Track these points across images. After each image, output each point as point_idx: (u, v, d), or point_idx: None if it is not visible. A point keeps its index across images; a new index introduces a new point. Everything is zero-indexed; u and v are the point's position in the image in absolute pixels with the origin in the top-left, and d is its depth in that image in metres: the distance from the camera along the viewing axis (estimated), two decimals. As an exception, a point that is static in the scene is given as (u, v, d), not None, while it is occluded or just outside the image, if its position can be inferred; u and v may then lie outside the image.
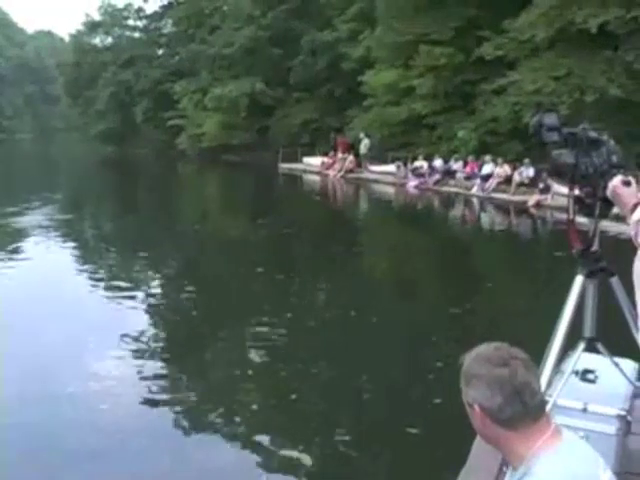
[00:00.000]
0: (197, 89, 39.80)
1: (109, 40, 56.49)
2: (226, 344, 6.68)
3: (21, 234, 13.39)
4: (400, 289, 9.84)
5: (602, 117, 14.52)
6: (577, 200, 2.43)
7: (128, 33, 55.59)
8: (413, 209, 20.58)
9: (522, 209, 17.34)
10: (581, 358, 2.50)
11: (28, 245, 12.26)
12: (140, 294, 8.71)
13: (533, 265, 11.09)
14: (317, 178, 27.37)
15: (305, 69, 33.37)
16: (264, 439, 4.55)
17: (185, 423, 4.85)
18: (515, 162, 19.62)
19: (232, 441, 4.57)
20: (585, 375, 2.64)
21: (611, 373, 2.60)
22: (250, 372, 5.82)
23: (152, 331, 7.10)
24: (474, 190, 20.33)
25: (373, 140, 26.72)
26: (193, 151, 39.81)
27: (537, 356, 2.04)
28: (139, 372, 5.77)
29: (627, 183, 2.15)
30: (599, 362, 2.64)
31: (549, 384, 2.36)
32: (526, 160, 18.68)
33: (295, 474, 4.17)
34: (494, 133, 21.31)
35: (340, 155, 27.74)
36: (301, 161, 30.74)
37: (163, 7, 50.81)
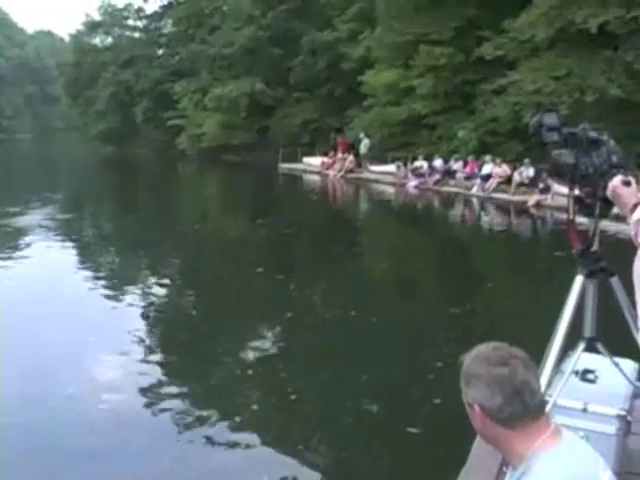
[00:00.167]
0: (197, 89, 39.80)
1: (109, 40, 56.51)
2: (226, 344, 6.68)
3: (21, 234, 13.38)
4: (400, 289, 9.85)
5: (602, 117, 14.52)
6: (577, 200, 2.42)
7: (128, 33, 55.60)
8: (413, 209, 20.58)
9: (522, 209, 17.34)
10: (581, 358, 2.50)
11: (28, 245, 12.25)
12: (140, 294, 8.71)
13: (533, 265, 11.08)
14: (317, 178, 27.37)
15: (305, 69, 33.37)
16: (264, 439, 4.55)
17: (185, 423, 4.85)
18: (515, 162, 19.61)
19: (232, 441, 4.56)
20: (585, 375, 2.64)
21: (611, 373, 2.60)
22: (250, 372, 5.82)
23: (152, 331, 7.10)
24: (474, 190, 20.32)
25: (373, 140, 26.72)
26: (193, 151, 39.81)
27: (537, 356, 2.03)
28: (139, 372, 5.77)
29: (627, 183, 2.15)
30: (599, 362, 2.64)
31: (549, 384, 2.36)
32: (526, 160, 18.68)
33: (295, 474, 4.16)
34: (494, 133, 21.31)
35: (340, 155, 27.75)
36: (301, 161, 30.75)
37: (163, 7, 50.82)
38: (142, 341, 6.60)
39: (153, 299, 8.60)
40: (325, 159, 28.44)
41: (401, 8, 24.30)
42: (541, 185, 17.07)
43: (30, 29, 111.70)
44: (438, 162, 22.66)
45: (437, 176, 22.28)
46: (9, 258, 10.78)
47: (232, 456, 4.43)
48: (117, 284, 9.18)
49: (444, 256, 12.20)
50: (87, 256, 11.73)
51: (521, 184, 18.94)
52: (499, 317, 7.34)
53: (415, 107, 23.66)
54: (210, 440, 4.59)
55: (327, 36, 31.49)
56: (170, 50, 49.26)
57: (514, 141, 19.88)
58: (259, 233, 14.11)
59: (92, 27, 56.60)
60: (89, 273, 9.93)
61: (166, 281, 9.85)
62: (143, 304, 8.19)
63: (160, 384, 5.56)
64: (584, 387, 2.60)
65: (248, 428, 4.77)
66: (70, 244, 12.69)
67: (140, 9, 53.81)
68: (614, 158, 2.29)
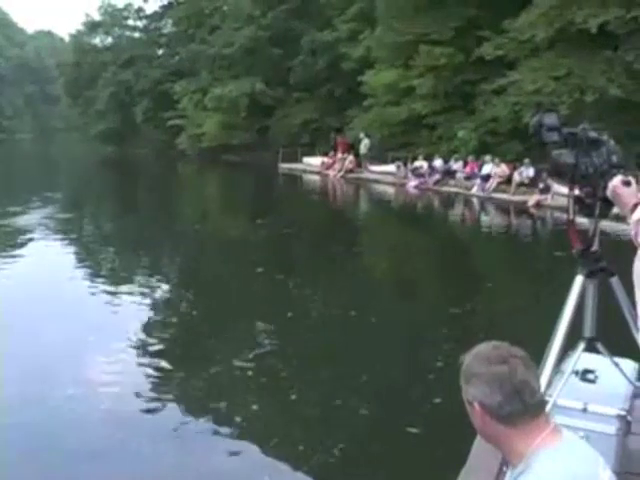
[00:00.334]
0: (197, 89, 39.80)
1: (109, 40, 56.49)
2: (226, 344, 6.68)
3: (21, 233, 13.38)
4: (400, 289, 9.85)
5: (602, 117, 14.53)
6: (577, 200, 2.42)
7: (128, 33, 55.58)
8: (413, 209, 20.58)
9: (522, 209, 17.34)
10: (581, 358, 2.50)
11: (28, 245, 12.25)
12: (140, 294, 8.70)
13: (533, 265, 11.09)
14: (317, 178, 27.38)
15: (305, 69, 33.38)
16: (264, 439, 4.55)
17: (185, 423, 4.85)
18: (515, 162, 19.62)
19: (232, 441, 4.56)
20: (585, 375, 2.64)
21: (611, 373, 2.60)
22: (250, 372, 5.82)
23: (152, 331, 7.09)
24: (474, 190, 20.33)
25: (373, 140, 26.72)
26: (193, 151, 39.81)
27: (537, 356, 2.03)
28: (139, 372, 5.77)
29: (627, 183, 2.15)
30: (599, 362, 2.64)
31: (549, 384, 2.36)
32: (526, 160, 18.68)
33: (295, 474, 4.17)
34: (494, 133, 21.31)
35: (340, 155, 27.75)
36: (301, 161, 30.75)
37: (163, 7, 50.82)
38: (142, 341, 6.60)
39: (153, 299, 8.60)
40: (325, 159, 28.44)
41: (401, 8, 24.31)
42: (541, 185, 17.07)
43: (30, 29, 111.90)
44: (438, 162, 22.66)
45: (437, 176, 22.28)
46: (9, 258, 10.78)
47: (232, 456, 4.42)
48: (117, 284, 9.17)
49: (444, 256, 12.20)
50: (87, 256, 11.73)
51: (521, 184, 18.94)
52: (499, 317, 7.34)
53: (415, 107, 23.67)
54: (210, 440, 4.59)
55: (327, 36, 31.49)
56: (170, 50, 49.25)
57: (514, 141, 19.88)
58: (259, 233, 14.10)
59: (92, 27, 56.57)
60: (89, 273, 9.93)
61: (166, 281, 9.85)
62: (143, 304, 8.18)
63: (160, 384, 5.57)
64: (584, 387, 2.60)
65: (248, 428, 4.77)
66: (70, 244, 12.68)
67: (140, 9, 53.87)
68: (614, 158, 2.29)
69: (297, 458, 4.34)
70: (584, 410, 2.50)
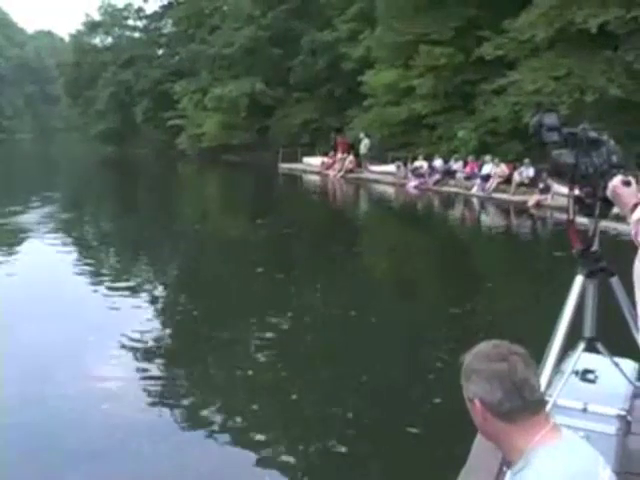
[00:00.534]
0: (197, 89, 39.80)
1: (109, 40, 56.51)
2: (226, 344, 6.67)
3: (21, 233, 13.39)
4: (400, 289, 9.85)
5: (602, 117, 14.53)
6: (577, 200, 2.43)
7: (128, 33, 55.60)
8: (413, 209, 20.58)
9: (522, 209, 17.34)
10: (581, 358, 2.50)
11: (28, 244, 12.26)
12: (140, 294, 8.70)
13: (533, 265, 11.08)
14: (317, 178, 27.38)
15: (305, 69, 33.38)
16: (264, 439, 4.56)
17: (185, 423, 4.85)
18: (515, 162, 19.62)
19: (232, 441, 4.57)
20: (585, 375, 2.64)
21: (611, 373, 2.60)
22: (250, 372, 5.82)
23: (152, 331, 7.09)
24: (474, 190, 20.33)
25: (373, 140, 26.72)
26: (193, 151, 39.81)
27: (537, 356, 2.03)
28: (139, 372, 5.78)
29: (627, 183, 2.15)
30: (599, 362, 2.64)
31: (549, 384, 2.36)
32: (526, 160, 18.68)
33: (295, 474, 4.17)
34: (494, 133, 21.31)
35: (340, 155, 27.74)
36: (301, 161, 30.75)
37: (163, 7, 50.81)
38: (142, 341, 6.60)
39: (153, 299, 8.60)
40: (325, 159, 28.44)
41: (401, 8, 24.31)
42: (541, 185, 17.07)
43: (30, 29, 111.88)
44: (438, 162, 22.66)
45: (437, 176, 22.28)
46: (9, 257, 10.79)
47: (232, 456, 4.43)
48: (117, 284, 9.17)
49: (444, 256, 12.20)
50: (87, 256, 11.72)
51: (521, 184, 18.94)
52: (499, 317, 7.34)
53: (415, 107, 23.66)
54: (210, 440, 4.59)
55: (327, 36, 31.49)
56: (170, 50, 49.25)
57: (514, 141, 19.88)
58: (259, 233, 14.10)
59: (92, 27, 56.60)
60: (89, 273, 9.92)
61: (166, 281, 9.86)
62: (143, 304, 8.18)
63: (160, 384, 5.57)
64: (584, 387, 2.60)
65: (248, 428, 4.78)
66: (70, 243, 12.70)
67: (140, 9, 53.90)
68: (614, 158, 2.29)
69: (297, 458, 4.34)
70: (584, 410, 2.50)
